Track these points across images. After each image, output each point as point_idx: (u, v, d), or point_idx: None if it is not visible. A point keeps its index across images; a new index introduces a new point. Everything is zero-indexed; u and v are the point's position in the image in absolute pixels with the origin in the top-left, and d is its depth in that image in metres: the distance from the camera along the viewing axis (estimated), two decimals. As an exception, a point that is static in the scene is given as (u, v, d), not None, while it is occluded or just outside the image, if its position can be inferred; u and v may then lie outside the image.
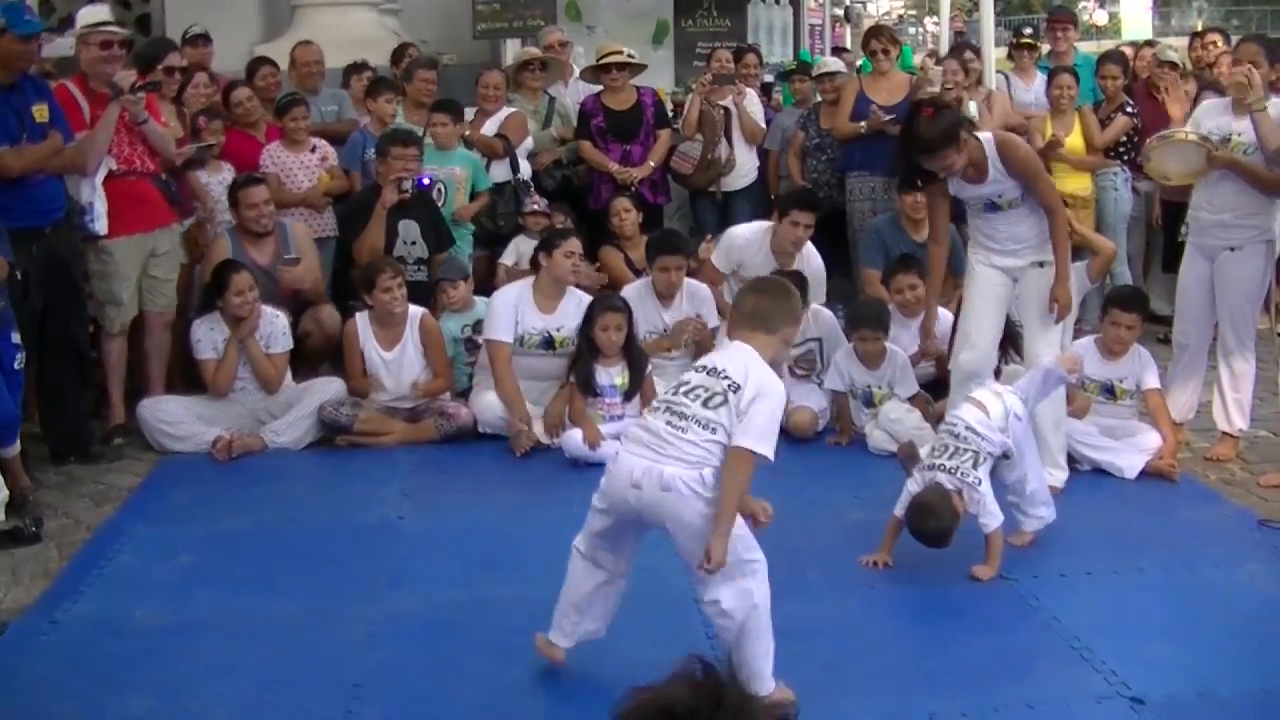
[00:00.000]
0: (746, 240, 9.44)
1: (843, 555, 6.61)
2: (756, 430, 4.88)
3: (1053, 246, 7.26)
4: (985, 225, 7.45)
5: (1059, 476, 7.37)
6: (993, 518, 6.35)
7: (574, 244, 8.87)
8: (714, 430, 4.90)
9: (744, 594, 4.97)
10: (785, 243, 9.23)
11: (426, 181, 9.76)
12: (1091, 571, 6.47)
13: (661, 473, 4.90)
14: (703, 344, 8.80)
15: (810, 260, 9.43)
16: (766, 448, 4.90)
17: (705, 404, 4.93)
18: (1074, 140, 10.91)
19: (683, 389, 5.03)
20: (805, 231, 9.25)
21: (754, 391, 4.89)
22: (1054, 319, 7.28)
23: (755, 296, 5.29)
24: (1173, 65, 11.26)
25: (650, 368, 8.64)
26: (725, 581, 4.95)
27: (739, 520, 4.99)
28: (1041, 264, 7.30)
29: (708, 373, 5.02)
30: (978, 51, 11.83)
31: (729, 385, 4.92)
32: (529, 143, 10.87)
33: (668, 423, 4.96)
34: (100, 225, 8.38)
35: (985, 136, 7.28)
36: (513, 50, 13.12)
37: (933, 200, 7.69)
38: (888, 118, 10.22)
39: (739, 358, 5.02)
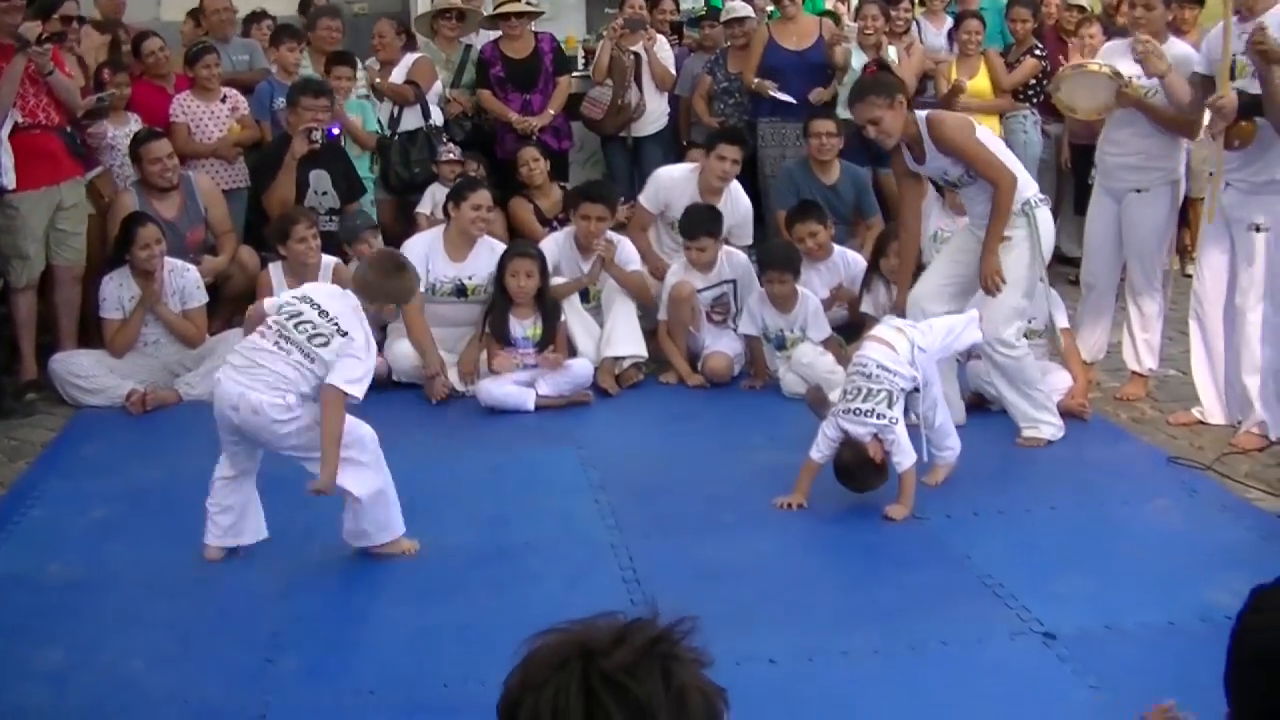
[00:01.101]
0: (674, 180, 9.46)
1: (757, 496, 6.65)
2: (349, 373, 5.66)
3: (991, 214, 7.26)
4: (961, 199, 7.73)
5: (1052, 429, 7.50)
6: (906, 456, 6.40)
7: (482, 196, 8.82)
8: (313, 361, 5.68)
9: (362, 480, 5.82)
10: (712, 178, 9.28)
11: (336, 132, 9.69)
12: (1003, 510, 6.55)
13: (250, 399, 5.65)
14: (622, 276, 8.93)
15: (739, 202, 9.49)
16: (358, 390, 5.69)
17: (311, 339, 5.70)
18: (981, 83, 10.96)
19: (294, 319, 5.76)
20: (733, 166, 9.32)
21: (356, 339, 5.71)
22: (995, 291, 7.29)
23: (369, 270, 6.14)
24: (1080, 9, 11.34)
25: (564, 318, 8.62)
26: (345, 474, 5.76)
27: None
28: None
29: (319, 313, 5.76)
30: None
31: (337, 329, 5.71)
32: (437, 87, 10.80)
33: (275, 343, 5.72)
34: (8, 179, 8.26)
35: (920, 115, 7.31)
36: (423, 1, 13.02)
37: (901, 185, 7.74)
38: (780, 95, 10.50)
39: (345, 306, 5.82)
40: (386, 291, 5.98)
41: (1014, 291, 7.26)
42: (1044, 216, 7.39)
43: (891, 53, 10.65)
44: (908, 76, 10.66)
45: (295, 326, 5.73)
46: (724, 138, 9.49)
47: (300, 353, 5.69)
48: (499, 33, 10.97)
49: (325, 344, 5.68)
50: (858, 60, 10.51)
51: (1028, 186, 7.37)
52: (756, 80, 10.58)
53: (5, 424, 8.20)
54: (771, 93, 10.49)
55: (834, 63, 10.49)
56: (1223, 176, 7.27)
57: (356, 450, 5.80)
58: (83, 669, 5.12)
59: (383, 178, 10.56)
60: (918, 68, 10.95)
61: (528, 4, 10.97)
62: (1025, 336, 7.54)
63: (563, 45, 11.45)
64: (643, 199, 9.55)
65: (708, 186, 9.32)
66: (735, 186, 9.49)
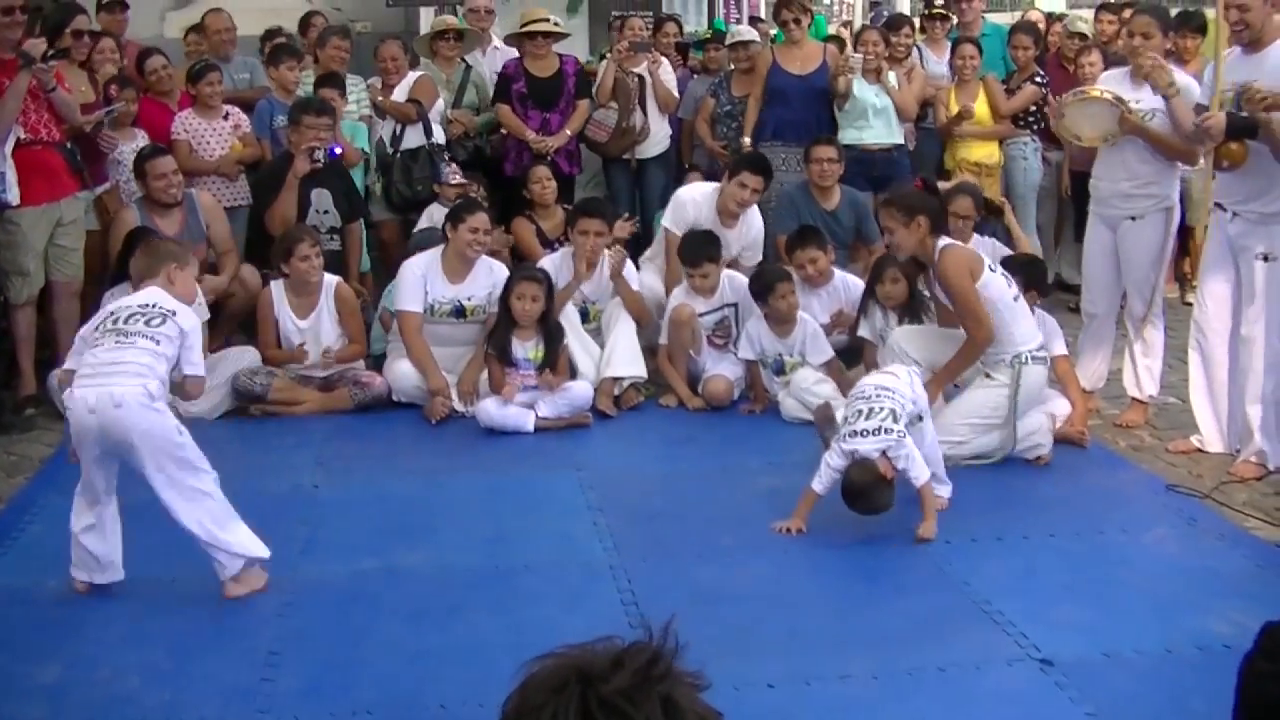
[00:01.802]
0: (696, 202, 9.40)
1: (756, 520, 6.64)
2: (193, 360, 5.89)
3: (951, 360, 7.44)
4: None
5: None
6: (921, 470, 6.40)
7: (479, 219, 8.77)
8: (158, 343, 5.72)
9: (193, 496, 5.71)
10: (730, 203, 9.25)
11: (338, 151, 9.70)
12: (1002, 536, 6.54)
13: (111, 393, 5.51)
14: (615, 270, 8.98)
15: (752, 224, 9.49)
16: (202, 369, 6.06)
17: (148, 323, 5.75)
18: (980, 109, 10.95)
19: (123, 318, 5.77)
20: (752, 195, 9.28)
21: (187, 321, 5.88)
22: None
23: (137, 259, 6.52)
24: (1082, 36, 11.36)
25: (566, 342, 8.62)
26: (192, 515, 5.70)
27: (201, 465, 5.74)
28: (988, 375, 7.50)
29: (142, 307, 5.83)
30: (913, 26, 11.90)
31: (164, 311, 5.81)
32: (439, 105, 10.82)
33: (116, 342, 5.67)
34: (12, 195, 8.27)
35: (940, 243, 7.36)
36: (427, 18, 13.04)
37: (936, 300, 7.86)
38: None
39: (158, 294, 5.95)
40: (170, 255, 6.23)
41: (966, 422, 7.43)
42: (1032, 374, 7.42)
43: (892, 78, 10.66)
44: (909, 102, 10.68)
45: (125, 321, 5.78)
46: (748, 165, 9.39)
47: (144, 337, 5.72)
48: (514, 51, 11.01)
49: (163, 322, 5.78)
50: (860, 89, 10.51)
51: (1025, 341, 7.43)
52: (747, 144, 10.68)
53: (4, 439, 8.21)
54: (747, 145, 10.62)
55: (836, 91, 10.50)
56: (1212, 196, 7.28)
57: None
58: (80, 685, 5.11)
59: (385, 195, 10.56)
60: (919, 93, 10.94)
61: (555, 25, 10.99)
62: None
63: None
64: (668, 223, 9.48)
65: (725, 210, 9.29)
66: (751, 209, 9.49)
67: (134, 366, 5.61)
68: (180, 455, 5.64)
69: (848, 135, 10.49)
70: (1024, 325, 7.45)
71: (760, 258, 9.58)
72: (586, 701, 1.92)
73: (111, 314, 5.83)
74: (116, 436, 5.57)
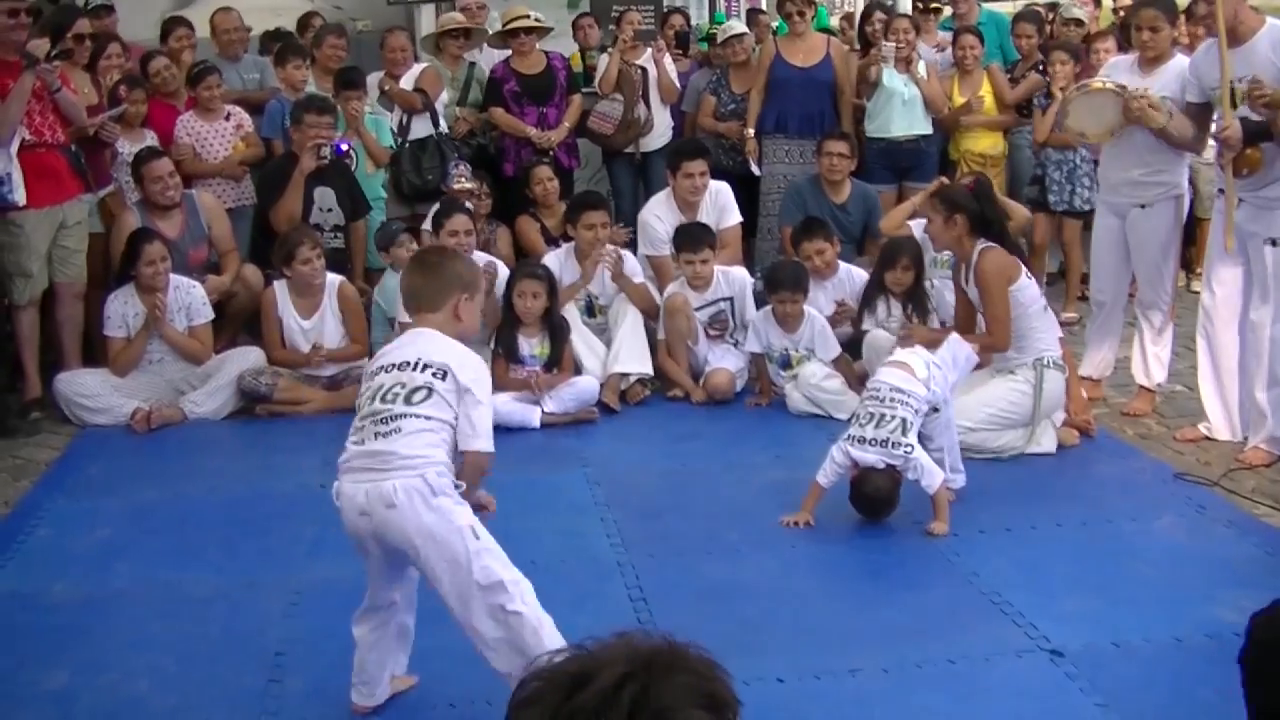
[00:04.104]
0: (658, 216, 9.44)
1: (763, 514, 6.64)
2: (479, 429, 4.61)
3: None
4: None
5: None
6: (934, 477, 6.40)
7: (458, 221, 8.80)
8: (429, 418, 4.57)
9: (503, 623, 4.52)
10: (686, 195, 9.34)
11: (345, 147, 9.71)
12: (1010, 527, 6.52)
13: (381, 489, 4.51)
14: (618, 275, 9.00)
15: (717, 192, 9.57)
16: (486, 443, 4.65)
17: (408, 401, 4.58)
18: (983, 99, 10.91)
19: (378, 395, 4.64)
20: (702, 179, 9.36)
21: (465, 377, 4.61)
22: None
23: (409, 276, 4.99)
24: (1078, 23, 11.31)
25: (571, 338, 8.62)
26: (481, 612, 4.54)
27: (505, 574, 4.56)
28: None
29: (398, 369, 4.65)
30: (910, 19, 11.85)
31: (433, 372, 4.60)
32: (444, 96, 10.83)
33: (376, 434, 4.58)
34: (19, 195, 8.27)
35: (981, 243, 7.38)
36: (426, 16, 13.01)
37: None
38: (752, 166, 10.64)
39: (424, 344, 4.70)
40: (457, 282, 4.85)
41: (986, 411, 7.41)
42: (1053, 379, 7.42)
43: (921, 68, 10.60)
44: (937, 93, 10.63)
45: (384, 398, 4.62)
46: (682, 155, 9.49)
47: (411, 418, 4.57)
48: (506, 53, 11.00)
49: (428, 395, 4.58)
50: (889, 79, 10.47)
51: (1047, 349, 7.46)
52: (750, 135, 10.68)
53: (10, 443, 8.20)
54: (750, 157, 10.66)
55: (867, 80, 10.55)
56: (1235, 204, 7.23)
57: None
58: (87, 689, 5.11)
59: (394, 185, 10.57)
60: (936, 86, 10.86)
61: (536, 20, 10.97)
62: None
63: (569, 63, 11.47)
64: (645, 249, 9.47)
65: (684, 204, 9.37)
66: (728, 198, 9.59)
67: (406, 460, 4.52)
68: (476, 564, 4.51)
69: (874, 126, 10.50)
70: (1048, 333, 7.49)
71: (739, 218, 9.70)
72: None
73: (371, 388, 4.71)
74: (394, 541, 4.58)
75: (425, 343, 4.71)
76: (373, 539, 4.61)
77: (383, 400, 4.60)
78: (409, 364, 4.63)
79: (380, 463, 4.53)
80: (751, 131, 10.68)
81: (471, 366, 4.67)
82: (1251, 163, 7.08)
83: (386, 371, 4.68)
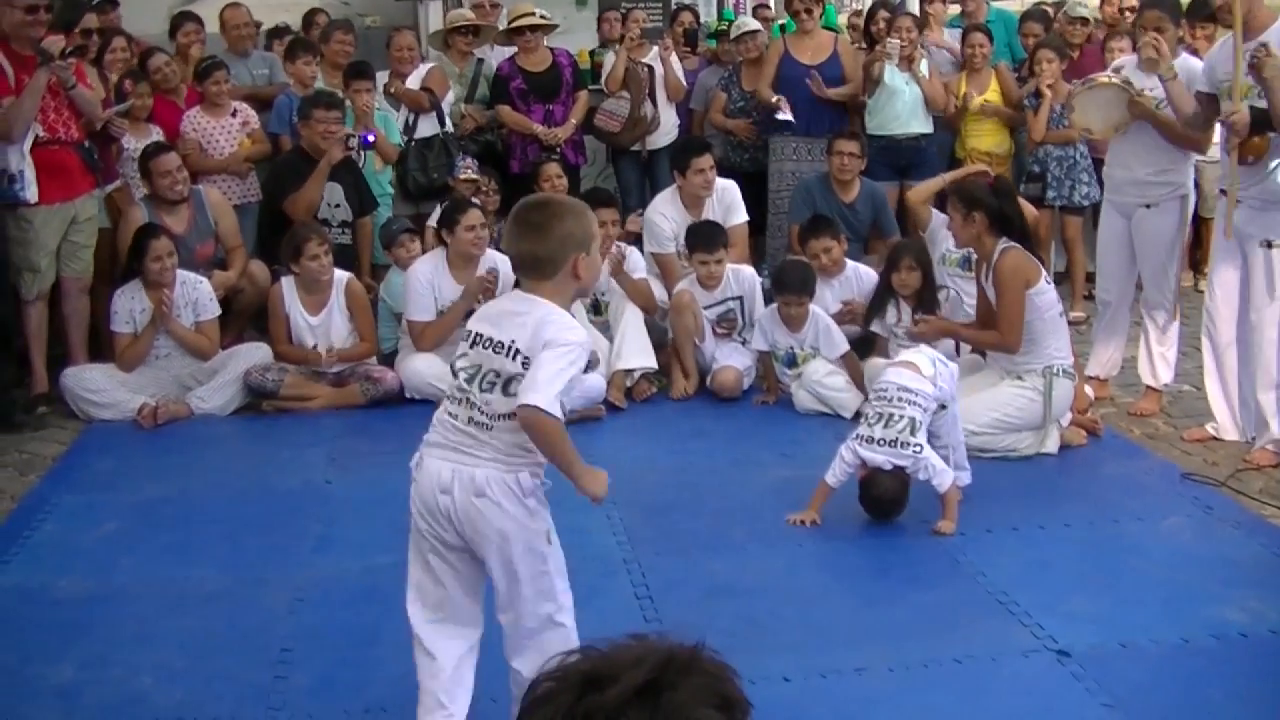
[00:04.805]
0: (664, 214, 9.47)
1: (770, 513, 6.64)
2: (535, 382, 4.08)
3: (973, 338, 7.75)
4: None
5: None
6: (944, 476, 6.41)
7: (473, 216, 8.77)
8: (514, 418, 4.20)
9: (544, 628, 4.42)
10: (697, 191, 9.35)
11: (371, 139, 9.73)
12: (1017, 526, 6.52)
13: (473, 476, 4.27)
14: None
15: (724, 190, 9.58)
16: (543, 399, 4.05)
17: (505, 391, 4.24)
18: (991, 97, 10.88)
19: (475, 379, 4.31)
20: (711, 173, 9.39)
21: (548, 333, 4.16)
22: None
23: (515, 242, 4.37)
24: (1084, 21, 11.30)
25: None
26: (528, 649, 4.41)
27: (559, 583, 4.45)
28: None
29: (494, 350, 4.27)
30: (915, 18, 11.82)
31: (523, 361, 4.20)
32: (450, 95, 10.82)
33: (470, 419, 4.29)
34: (30, 193, 8.27)
35: (1003, 243, 7.38)
36: (434, 12, 12.99)
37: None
38: (783, 114, 10.47)
39: (524, 322, 4.24)
40: (571, 242, 4.28)
41: (992, 415, 7.40)
42: (1062, 387, 7.42)
43: (924, 67, 10.59)
44: (939, 91, 10.61)
45: (480, 383, 4.28)
46: (689, 152, 9.52)
47: (502, 419, 4.26)
48: (512, 49, 10.99)
49: (513, 382, 4.20)
50: (890, 76, 10.45)
51: (1058, 356, 7.44)
52: (772, 95, 10.57)
53: (16, 437, 8.19)
54: (779, 113, 10.47)
55: (870, 77, 10.50)
56: (1236, 193, 7.24)
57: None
58: (93, 684, 5.11)
59: (400, 184, 10.54)
60: (938, 82, 10.85)
61: (541, 17, 10.97)
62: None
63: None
64: (652, 247, 9.50)
65: (692, 201, 9.38)
66: (734, 194, 9.60)
67: (501, 454, 4.27)
68: (539, 569, 4.40)
69: (875, 123, 10.48)
70: (1060, 341, 7.48)
71: (746, 216, 9.68)
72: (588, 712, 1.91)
73: (470, 359, 4.33)
74: (470, 531, 4.34)
75: (526, 320, 4.22)
76: (445, 520, 4.34)
77: (480, 388, 4.25)
78: (504, 347, 4.22)
79: (474, 448, 4.27)
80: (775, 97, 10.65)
81: (556, 324, 4.19)
82: (1257, 150, 7.10)
83: (484, 346, 4.29)
